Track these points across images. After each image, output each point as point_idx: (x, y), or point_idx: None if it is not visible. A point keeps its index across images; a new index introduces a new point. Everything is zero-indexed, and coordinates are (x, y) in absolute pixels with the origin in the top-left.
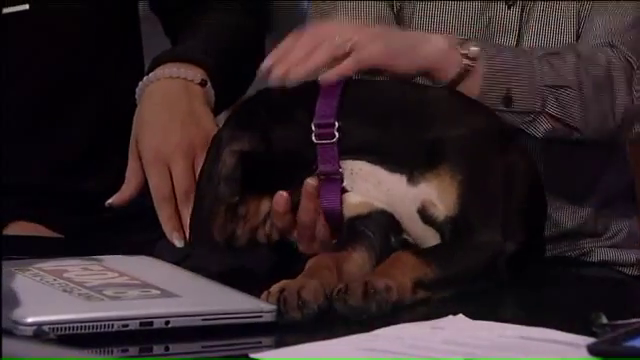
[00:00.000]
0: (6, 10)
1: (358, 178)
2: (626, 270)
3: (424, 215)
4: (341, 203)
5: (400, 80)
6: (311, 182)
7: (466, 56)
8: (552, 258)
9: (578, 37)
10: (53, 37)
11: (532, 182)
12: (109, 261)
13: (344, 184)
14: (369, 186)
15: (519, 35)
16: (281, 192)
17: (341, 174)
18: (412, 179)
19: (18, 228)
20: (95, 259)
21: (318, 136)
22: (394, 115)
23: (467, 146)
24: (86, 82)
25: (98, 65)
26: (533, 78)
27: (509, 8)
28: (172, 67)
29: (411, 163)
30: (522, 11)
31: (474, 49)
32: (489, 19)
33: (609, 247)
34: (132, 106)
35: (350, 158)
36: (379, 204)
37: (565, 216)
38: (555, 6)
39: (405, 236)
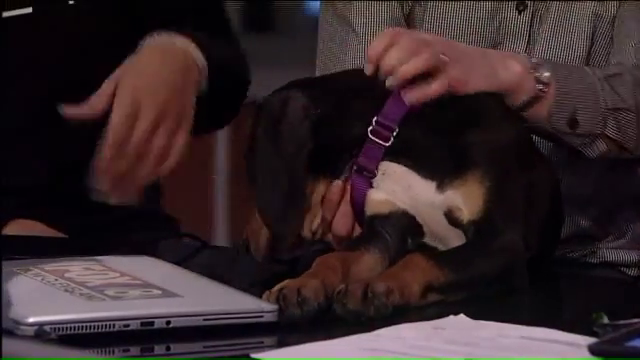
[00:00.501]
0: (9, 13)
1: (388, 179)
2: (628, 271)
3: (450, 217)
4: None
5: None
6: (336, 187)
7: (539, 80)
8: (555, 258)
9: (592, 42)
10: (55, 39)
11: (553, 193)
12: (110, 261)
13: (372, 182)
14: (397, 188)
15: (529, 40)
16: (337, 181)
17: (374, 174)
18: (441, 186)
19: (18, 227)
20: (96, 259)
21: (374, 132)
22: (435, 121)
23: (496, 154)
24: (87, 83)
25: (99, 66)
26: (597, 101)
27: (519, 13)
28: (183, 39)
29: (442, 170)
30: (533, 16)
31: (546, 74)
32: (499, 23)
33: (612, 248)
34: None
35: (389, 159)
36: (402, 205)
37: (575, 218)
38: (569, 11)
39: (425, 239)
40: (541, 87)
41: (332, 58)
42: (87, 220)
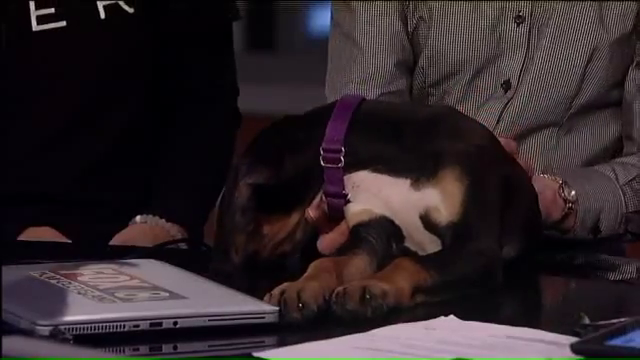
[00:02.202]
0: (43, 27)
1: (360, 190)
2: (608, 274)
3: (426, 221)
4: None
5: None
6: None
7: (566, 200)
8: (538, 261)
9: (591, 57)
10: (85, 53)
11: (529, 194)
12: (121, 265)
13: (347, 197)
14: (369, 195)
15: (527, 53)
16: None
17: (345, 195)
18: (416, 184)
19: (32, 233)
20: (108, 263)
21: (325, 160)
22: (401, 130)
23: (471, 156)
24: (115, 98)
25: (127, 81)
26: (618, 208)
27: (518, 26)
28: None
29: (417, 169)
30: (531, 29)
31: (573, 193)
32: (499, 35)
33: (594, 252)
34: (153, 121)
35: (354, 170)
36: (378, 210)
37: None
38: (568, 26)
39: (406, 244)
40: (569, 205)
41: (340, 74)
42: (98, 228)
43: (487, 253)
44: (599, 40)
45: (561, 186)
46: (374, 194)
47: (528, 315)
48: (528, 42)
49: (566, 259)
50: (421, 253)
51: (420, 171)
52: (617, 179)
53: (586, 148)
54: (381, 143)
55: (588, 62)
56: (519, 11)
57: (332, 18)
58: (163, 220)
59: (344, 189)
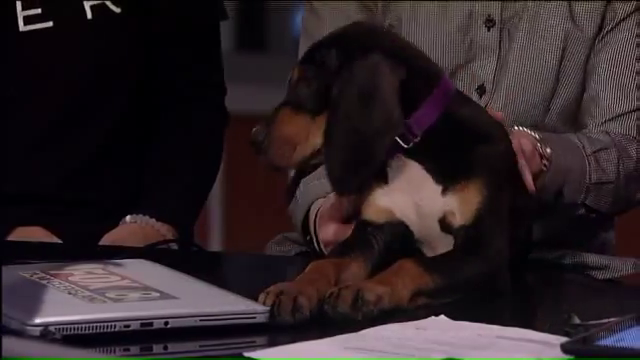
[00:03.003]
0: (30, 27)
1: (402, 175)
2: (597, 274)
3: (443, 223)
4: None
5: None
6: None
7: (542, 156)
8: (528, 262)
9: (562, 57)
10: (72, 53)
11: (530, 204)
12: (111, 265)
13: (387, 171)
14: (406, 186)
15: (499, 56)
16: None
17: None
18: (445, 191)
19: (22, 233)
20: (98, 263)
21: (401, 137)
22: (449, 135)
23: (495, 168)
24: (98, 98)
25: (114, 80)
26: (583, 176)
27: (489, 30)
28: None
29: (449, 177)
30: (502, 32)
31: (548, 151)
32: (470, 40)
33: (582, 252)
34: (141, 120)
35: (408, 157)
36: (400, 212)
37: (545, 224)
38: (539, 28)
39: (418, 244)
40: (545, 162)
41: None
42: (88, 227)
43: (494, 258)
44: (571, 38)
45: (540, 141)
46: (413, 187)
47: (518, 315)
48: (500, 46)
49: (555, 258)
50: (431, 254)
51: (452, 179)
52: (584, 148)
53: None
54: (443, 145)
55: (561, 61)
56: (489, 14)
57: (302, 26)
58: (153, 220)
59: (388, 164)
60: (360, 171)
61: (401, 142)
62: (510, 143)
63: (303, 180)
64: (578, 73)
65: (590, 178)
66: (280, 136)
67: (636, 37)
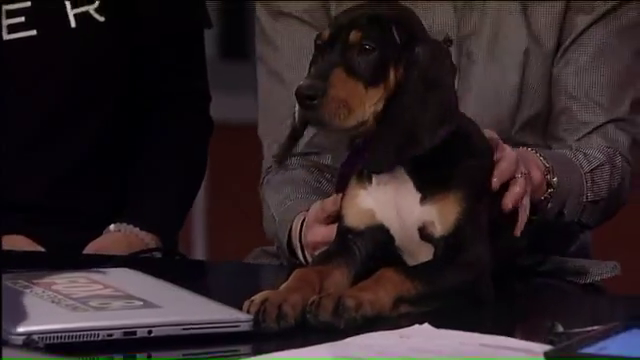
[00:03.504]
0: (14, 36)
1: (386, 177)
2: (578, 279)
3: (423, 233)
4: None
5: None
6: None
7: (549, 184)
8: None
9: (524, 75)
10: (56, 61)
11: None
12: (94, 274)
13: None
14: (389, 189)
15: (460, 75)
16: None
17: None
18: (424, 200)
19: (5, 242)
20: (81, 272)
21: None
22: (442, 146)
23: (476, 179)
24: (81, 106)
25: (98, 89)
26: (581, 196)
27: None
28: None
29: (429, 187)
30: (460, 52)
31: (555, 180)
32: None
33: (561, 257)
34: (126, 128)
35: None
36: (381, 216)
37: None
38: (498, 46)
39: (400, 252)
40: (551, 191)
41: (271, 114)
42: (72, 236)
43: (476, 266)
44: (531, 53)
45: (549, 171)
46: (394, 189)
47: (502, 323)
48: (459, 64)
49: (534, 265)
50: (412, 262)
51: (431, 189)
52: (582, 166)
53: None
54: (431, 155)
55: (523, 76)
56: (446, 34)
57: (258, 56)
58: (137, 229)
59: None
60: (403, 154)
61: None
62: (492, 157)
63: (275, 203)
64: (541, 86)
65: (587, 197)
66: (337, 96)
67: (598, 49)
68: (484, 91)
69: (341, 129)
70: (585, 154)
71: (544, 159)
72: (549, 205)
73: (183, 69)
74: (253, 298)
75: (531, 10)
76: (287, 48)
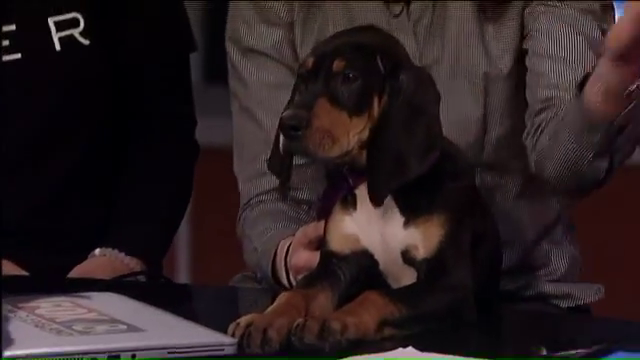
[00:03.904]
0: None
1: (367, 208)
2: (561, 302)
3: (405, 257)
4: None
5: None
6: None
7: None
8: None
9: (485, 102)
10: (40, 85)
11: (495, 238)
12: (79, 298)
13: (357, 197)
14: (373, 214)
15: None
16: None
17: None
18: (407, 223)
19: None
20: (65, 296)
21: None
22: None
23: (458, 203)
24: (66, 129)
25: (82, 112)
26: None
27: None
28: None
29: (413, 209)
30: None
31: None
32: None
33: (543, 281)
34: (110, 151)
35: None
36: (366, 240)
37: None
38: (460, 72)
39: (383, 276)
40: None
41: (245, 150)
42: (56, 260)
43: (459, 288)
44: (490, 77)
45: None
46: (378, 214)
47: (485, 346)
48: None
49: (518, 289)
50: (396, 285)
51: (415, 213)
52: None
53: (515, 183)
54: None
55: (485, 103)
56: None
57: (231, 90)
58: (122, 254)
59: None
60: (393, 182)
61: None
62: (474, 179)
63: (257, 234)
64: (506, 109)
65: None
66: (321, 127)
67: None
68: (448, 118)
69: (326, 159)
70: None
71: None
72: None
73: (168, 92)
74: (239, 321)
75: (488, 36)
76: (257, 85)
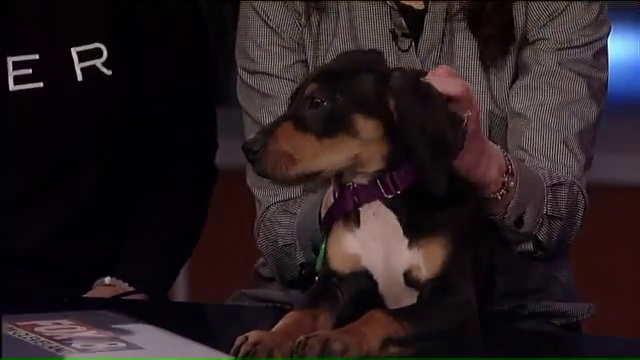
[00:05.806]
0: (20, 87)
1: (375, 222)
2: (556, 321)
3: (408, 277)
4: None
5: None
6: None
7: (504, 186)
8: (488, 312)
9: (491, 126)
10: (60, 115)
11: (491, 260)
12: (78, 316)
13: (361, 215)
14: (377, 233)
15: None
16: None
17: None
18: (411, 244)
19: None
20: (65, 314)
21: (382, 181)
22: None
23: (462, 225)
24: (83, 161)
25: (100, 141)
26: (541, 207)
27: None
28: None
29: (417, 231)
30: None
31: (512, 184)
32: None
33: (538, 300)
34: (123, 182)
35: (386, 205)
36: (365, 261)
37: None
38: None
39: (383, 297)
40: (503, 192)
41: (253, 119)
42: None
43: (464, 307)
44: (495, 114)
45: (508, 171)
46: (383, 235)
47: None
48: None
49: (515, 308)
50: (394, 307)
51: (418, 234)
52: (544, 179)
53: None
54: (419, 201)
55: (490, 135)
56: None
57: (242, 103)
58: (126, 284)
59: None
60: (441, 164)
61: (383, 191)
62: (477, 202)
63: (286, 225)
64: (505, 146)
65: (547, 209)
66: (277, 149)
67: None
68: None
69: (286, 180)
70: (549, 170)
71: (510, 162)
72: (509, 206)
73: (189, 120)
74: (247, 335)
75: (492, 78)
76: (265, 73)
